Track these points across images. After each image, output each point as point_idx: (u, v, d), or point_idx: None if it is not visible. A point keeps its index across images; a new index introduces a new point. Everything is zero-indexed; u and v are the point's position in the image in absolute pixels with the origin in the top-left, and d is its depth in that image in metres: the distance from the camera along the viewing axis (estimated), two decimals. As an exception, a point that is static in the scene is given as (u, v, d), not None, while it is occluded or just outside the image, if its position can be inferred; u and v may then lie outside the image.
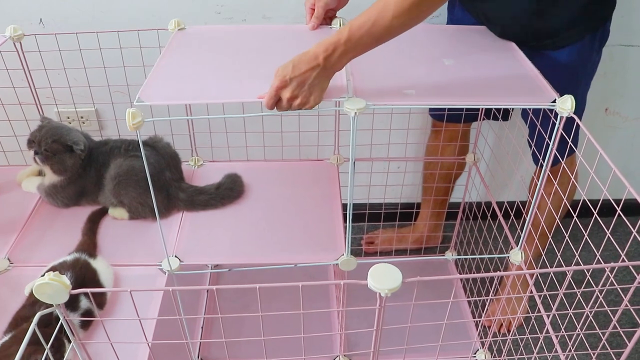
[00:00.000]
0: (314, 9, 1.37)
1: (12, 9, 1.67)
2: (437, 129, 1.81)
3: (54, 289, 0.75)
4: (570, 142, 1.14)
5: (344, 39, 1.02)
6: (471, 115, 1.69)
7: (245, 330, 1.47)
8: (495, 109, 1.61)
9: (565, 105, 1.05)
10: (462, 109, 1.65)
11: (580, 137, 1.30)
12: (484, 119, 1.65)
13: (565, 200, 1.23)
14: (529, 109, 1.43)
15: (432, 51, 1.31)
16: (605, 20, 1.43)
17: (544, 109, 1.11)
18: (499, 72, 1.21)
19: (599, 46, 1.47)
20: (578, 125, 1.09)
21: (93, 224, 1.39)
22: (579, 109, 1.56)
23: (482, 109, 1.60)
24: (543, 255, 1.36)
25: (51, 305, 0.80)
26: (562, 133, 1.10)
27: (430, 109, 1.80)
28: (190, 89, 1.11)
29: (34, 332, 0.81)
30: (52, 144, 1.35)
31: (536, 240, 1.39)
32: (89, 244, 1.31)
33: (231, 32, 1.34)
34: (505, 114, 1.66)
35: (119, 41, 1.41)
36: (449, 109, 1.68)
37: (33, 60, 1.44)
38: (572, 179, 1.22)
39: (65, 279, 0.76)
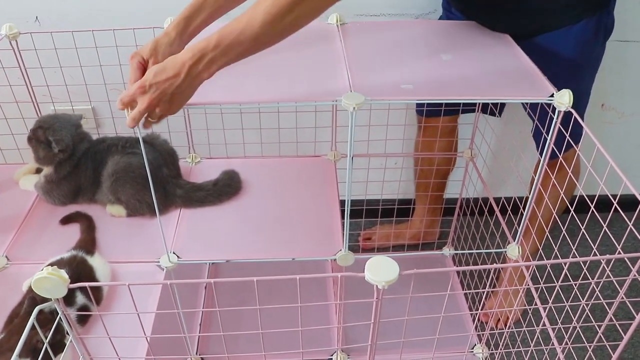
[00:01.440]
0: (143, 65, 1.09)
1: (7, 7, 1.66)
2: (423, 124, 1.81)
3: (53, 283, 0.76)
4: (568, 137, 1.14)
5: (212, 46, 0.95)
6: (455, 110, 1.69)
7: (243, 326, 1.46)
8: (492, 103, 1.61)
9: (563, 99, 1.05)
10: (445, 104, 1.64)
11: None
12: (471, 112, 1.64)
13: (562, 194, 1.23)
14: (526, 104, 1.43)
15: (429, 46, 1.31)
16: (603, 5, 1.40)
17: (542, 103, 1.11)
18: (497, 67, 1.22)
19: (603, 38, 1.45)
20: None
21: (88, 220, 1.39)
22: (582, 103, 1.55)
23: (480, 104, 1.59)
24: (540, 250, 1.37)
25: (49, 300, 0.80)
26: (562, 127, 1.10)
27: (417, 105, 1.79)
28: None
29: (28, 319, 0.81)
30: (37, 129, 1.36)
31: (533, 234, 1.39)
32: (88, 241, 1.31)
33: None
34: (500, 109, 1.66)
35: (114, 39, 1.41)
36: (430, 104, 1.67)
37: (29, 58, 1.44)
38: (570, 173, 1.22)
39: (64, 273, 0.76)
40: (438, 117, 1.72)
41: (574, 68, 1.44)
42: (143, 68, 1.04)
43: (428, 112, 1.72)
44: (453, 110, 1.68)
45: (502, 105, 1.64)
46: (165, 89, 0.95)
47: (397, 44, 1.32)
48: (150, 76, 0.95)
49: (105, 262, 1.26)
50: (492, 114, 1.65)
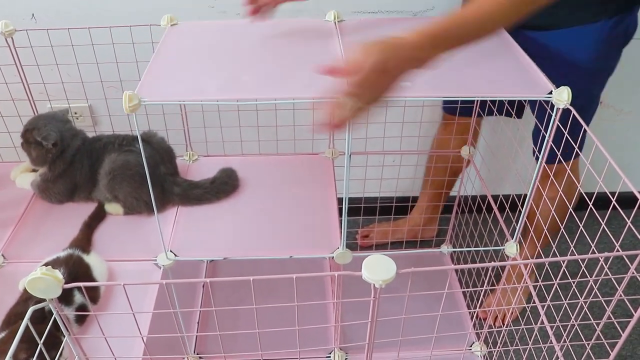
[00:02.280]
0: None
1: (3, 4, 1.66)
2: (448, 122, 1.77)
3: (47, 284, 0.75)
4: (575, 145, 1.10)
5: (458, 24, 0.85)
6: (482, 110, 1.65)
7: (241, 324, 1.46)
8: (509, 104, 1.56)
9: (562, 96, 1.05)
10: (474, 102, 1.57)
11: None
12: (496, 115, 1.62)
13: (562, 195, 1.21)
14: (525, 101, 1.42)
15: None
16: (626, 7, 1.32)
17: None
18: (495, 64, 1.21)
19: (622, 42, 1.39)
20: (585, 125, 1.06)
21: (93, 220, 1.38)
22: (591, 108, 1.49)
23: (495, 102, 1.56)
24: (539, 249, 1.36)
25: (44, 300, 0.79)
26: (567, 132, 1.08)
27: (443, 102, 1.77)
28: (187, 86, 1.10)
29: (28, 329, 0.81)
30: (25, 132, 1.37)
31: (531, 234, 1.38)
32: (83, 240, 1.30)
33: (224, 27, 1.34)
34: (519, 110, 1.59)
35: (111, 37, 1.40)
36: (463, 102, 1.62)
37: (25, 55, 1.43)
38: (573, 177, 1.19)
39: (58, 273, 0.76)
40: (465, 116, 1.67)
41: (584, 68, 1.39)
42: None
43: (454, 109, 1.68)
44: (480, 110, 1.61)
45: (521, 106, 1.58)
46: (388, 72, 0.84)
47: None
48: (374, 54, 0.82)
49: (102, 261, 1.26)
50: (509, 115, 1.60)
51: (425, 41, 0.84)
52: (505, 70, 1.19)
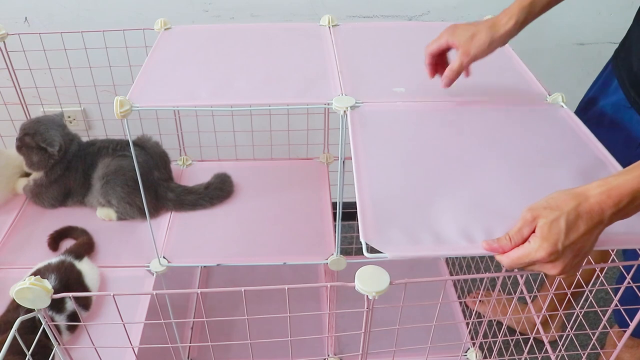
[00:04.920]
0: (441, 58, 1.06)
1: (-4, 8, 1.65)
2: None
3: (35, 294, 0.74)
4: None
5: None
6: None
7: (237, 329, 1.46)
8: None
9: (557, 101, 1.05)
10: None
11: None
12: None
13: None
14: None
15: (422, 48, 1.30)
16: None
17: None
18: (491, 70, 1.20)
19: None
20: None
21: (83, 231, 1.37)
22: None
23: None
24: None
25: (34, 310, 0.78)
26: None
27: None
28: (180, 91, 1.09)
29: (16, 339, 0.80)
30: (23, 137, 1.35)
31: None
32: (81, 245, 1.29)
33: (218, 32, 1.33)
34: None
35: (104, 41, 1.39)
36: None
37: (18, 59, 1.42)
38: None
39: (47, 283, 0.74)
40: None
41: None
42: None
43: None
44: None
45: None
46: (582, 246, 0.72)
47: (389, 46, 1.31)
48: (561, 235, 0.70)
49: (94, 267, 1.24)
50: None
51: (610, 204, 0.71)
52: (501, 76, 1.19)
